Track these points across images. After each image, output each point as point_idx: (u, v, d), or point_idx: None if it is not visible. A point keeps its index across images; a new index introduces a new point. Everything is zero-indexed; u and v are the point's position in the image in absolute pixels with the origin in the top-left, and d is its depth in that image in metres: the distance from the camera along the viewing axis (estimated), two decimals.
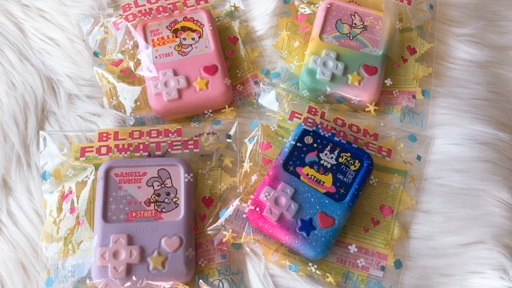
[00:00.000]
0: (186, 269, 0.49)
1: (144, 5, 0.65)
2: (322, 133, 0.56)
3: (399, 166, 0.57)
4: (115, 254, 0.49)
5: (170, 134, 0.57)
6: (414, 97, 0.61)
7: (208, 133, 0.57)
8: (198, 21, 0.64)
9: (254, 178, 0.55)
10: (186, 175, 0.54)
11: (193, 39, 0.63)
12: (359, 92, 0.59)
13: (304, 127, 0.56)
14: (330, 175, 0.54)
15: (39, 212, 0.56)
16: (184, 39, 0.63)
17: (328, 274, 0.51)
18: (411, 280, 0.53)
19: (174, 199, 0.53)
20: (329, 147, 0.55)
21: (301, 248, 0.50)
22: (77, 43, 0.65)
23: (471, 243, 0.55)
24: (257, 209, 0.51)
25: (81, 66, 0.64)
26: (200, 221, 0.54)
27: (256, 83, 0.63)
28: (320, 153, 0.55)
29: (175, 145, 0.56)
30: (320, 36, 0.63)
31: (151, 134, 0.57)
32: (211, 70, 0.60)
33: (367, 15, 0.65)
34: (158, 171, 0.54)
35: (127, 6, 0.65)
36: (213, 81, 0.59)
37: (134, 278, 0.49)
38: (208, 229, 0.53)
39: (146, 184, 0.53)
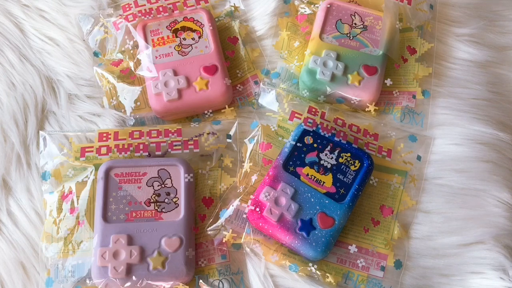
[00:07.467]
0: (186, 269, 0.49)
1: (144, 5, 0.65)
2: (322, 133, 0.56)
3: (399, 166, 0.57)
4: (115, 254, 0.49)
5: (170, 134, 0.57)
6: (414, 97, 0.61)
7: (208, 133, 0.57)
8: (198, 21, 0.64)
9: (254, 178, 0.55)
10: (186, 175, 0.54)
11: (193, 39, 0.63)
12: (359, 92, 0.59)
13: (304, 127, 0.56)
14: (330, 175, 0.54)
15: (39, 212, 0.56)
16: (184, 39, 0.63)
17: (328, 274, 0.51)
18: (411, 280, 0.53)
19: (174, 199, 0.53)
20: (329, 147, 0.55)
21: (301, 248, 0.50)
22: (77, 43, 0.65)
23: (471, 243, 0.55)
24: (257, 209, 0.51)
25: (81, 66, 0.64)
26: (200, 221, 0.54)
27: (256, 83, 0.63)
28: (320, 153, 0.55)
29: (175, 145, 0.56)
30: (320, 36, 0.63)
31: (151, 134, 0.57)
32: (211, 70, 0.60)
33: (367, 15, 0.65)
34: (158, 171, 0.54)
35: (127, 6, 0.65)
36: (213, 81, 0.59)
37: (134, 278, 0.49)
38: (208, 229, 0.53)
39: (146, 184, 0.53)
